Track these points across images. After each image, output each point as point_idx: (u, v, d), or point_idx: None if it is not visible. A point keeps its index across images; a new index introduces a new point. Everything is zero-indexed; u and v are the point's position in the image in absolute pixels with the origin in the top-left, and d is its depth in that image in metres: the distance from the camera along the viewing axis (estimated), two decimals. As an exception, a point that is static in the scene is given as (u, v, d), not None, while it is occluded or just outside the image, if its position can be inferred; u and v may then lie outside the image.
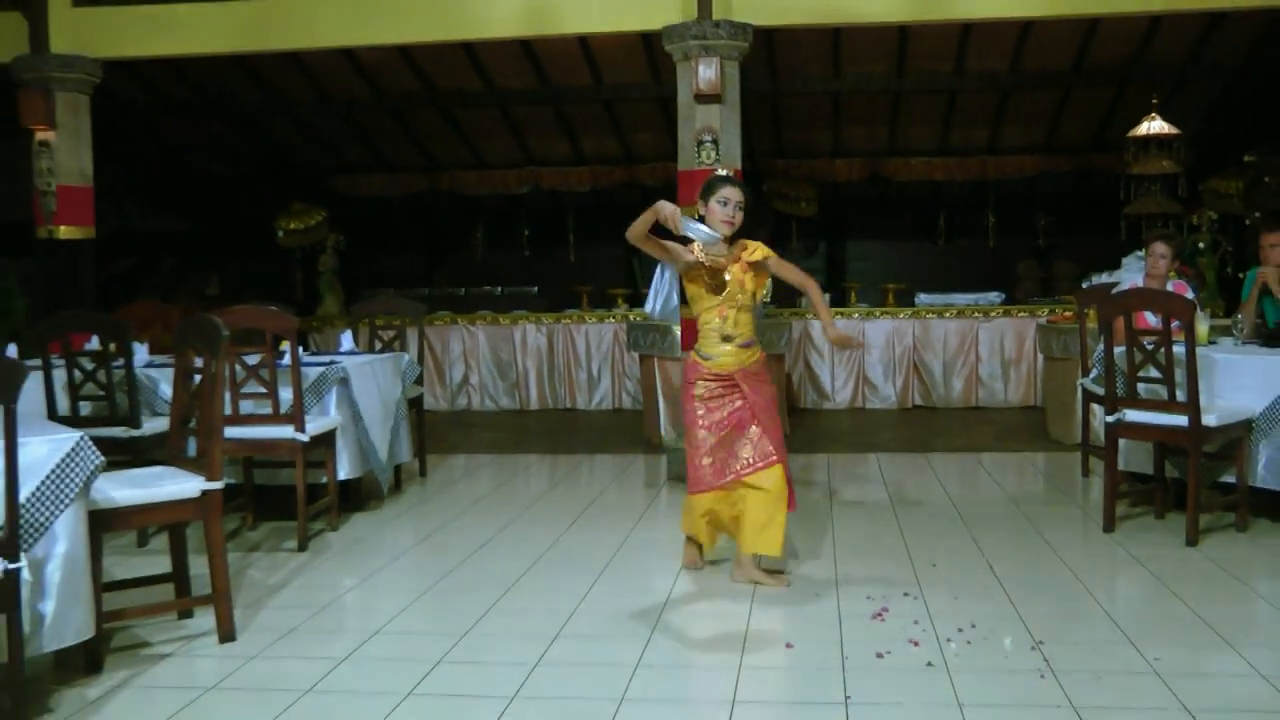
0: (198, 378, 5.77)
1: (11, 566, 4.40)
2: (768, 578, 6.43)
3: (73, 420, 7.49)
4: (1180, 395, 7.17)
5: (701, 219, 6.26)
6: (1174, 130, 12.75)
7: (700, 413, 6.36)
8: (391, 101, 15.53)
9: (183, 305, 14.97)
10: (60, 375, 7.75)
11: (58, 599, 4.69)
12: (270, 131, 16.87)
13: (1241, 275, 10.10)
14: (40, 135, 11.31)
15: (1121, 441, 7.77)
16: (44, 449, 4.72)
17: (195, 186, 18.08)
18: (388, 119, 16.31)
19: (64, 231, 11.40)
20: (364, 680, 5.06)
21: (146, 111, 15.78)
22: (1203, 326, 8.01)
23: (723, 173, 6.53)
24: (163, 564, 6.06)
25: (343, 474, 8.17)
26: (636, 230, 6.19)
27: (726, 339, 6.35)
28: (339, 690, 4.94)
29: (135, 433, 7.66)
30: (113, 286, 15.16)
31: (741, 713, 4.62)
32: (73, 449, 4.78)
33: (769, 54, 13.47)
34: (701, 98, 10.08)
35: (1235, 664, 5.09)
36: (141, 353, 8.70)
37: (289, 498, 7.66)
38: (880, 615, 5.81)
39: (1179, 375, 7.15)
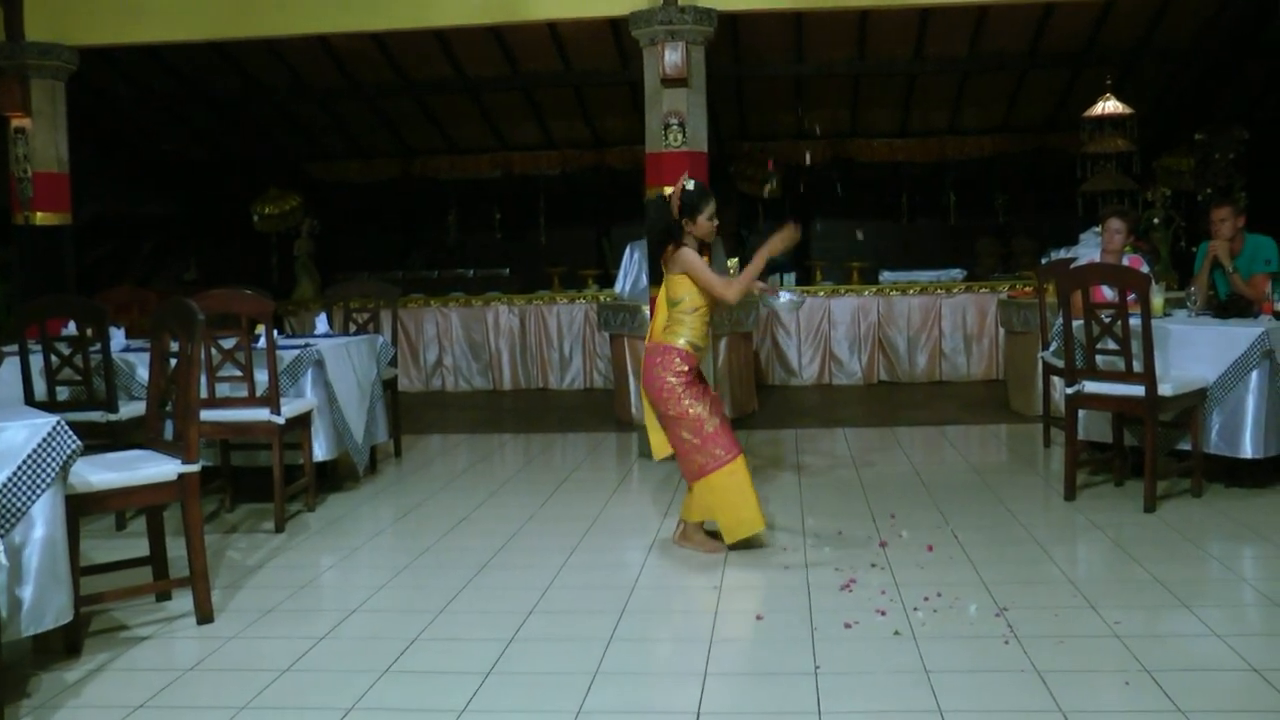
0: (174, 361, 5.66)
1: None
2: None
3: (50, 405, 7.38)
4: (1137, 366, 7.18)
5: (680, 225, 6.43)
6: (1127, 110, 12.74)
7: (692, 393, 6.38)
8: (366, 89, 15.39)
9: (160, 290, 14.84)
10: (37, 360, 7.64)
11: (36, 583, 4.60)
12: (248, 119, 16.68)
13: (1194, 249, 10.09)
14: (16, 122, 11.06)
15: (1081, 412, 7.77)
16: (21, 434, 4.64)
17: (174, 172, 17.85)
18: (362, 106, 16.17)
19: (40, 218, 11.11)
20: (341, 658, 5.02)
21: (126, 99, 15.55)
22: (1157, 299, 8.03)
23: (692, 185, 6.49)
24: (141, 547, 5.97)
25: (319, 455, 8.08)
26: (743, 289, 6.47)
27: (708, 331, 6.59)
28: (317, 669, 4.89)
29: (112, 416, 7.54)
30: (93, 272, 14.97)
31: (713, 684, 4.59)
32: (50, 433, 4.70)
33: (733, 39, 13.37)
34: (668, 82, 9.98)
35: (1192, 624, 5.12)
36: (119, 337, 8.59)
37: (266, 479, 7.58)
38: (848, 586, 5.78)
39: (1135, 347, 7.16)
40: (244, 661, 5.00)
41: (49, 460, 4.67)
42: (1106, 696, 4.36)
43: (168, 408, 5.82)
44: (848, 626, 5.18)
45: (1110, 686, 4.45)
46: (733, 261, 13.06)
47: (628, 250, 12.17)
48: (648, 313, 10.53)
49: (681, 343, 6.38)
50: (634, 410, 11.05)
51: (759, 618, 5.42)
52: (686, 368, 6.38)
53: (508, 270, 16.31)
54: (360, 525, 7.60)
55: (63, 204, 11.34)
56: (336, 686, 4.64)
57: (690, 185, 6.47)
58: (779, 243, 6.35)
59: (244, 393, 7.50)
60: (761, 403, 12.41)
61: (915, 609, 5.39)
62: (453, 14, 10.91)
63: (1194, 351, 7.62)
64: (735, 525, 6.44)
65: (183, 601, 5.67)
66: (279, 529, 7.33)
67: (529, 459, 10.01)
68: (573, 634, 5.24)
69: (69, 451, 4.75)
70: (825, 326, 14.37)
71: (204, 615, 5.49)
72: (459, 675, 4.73)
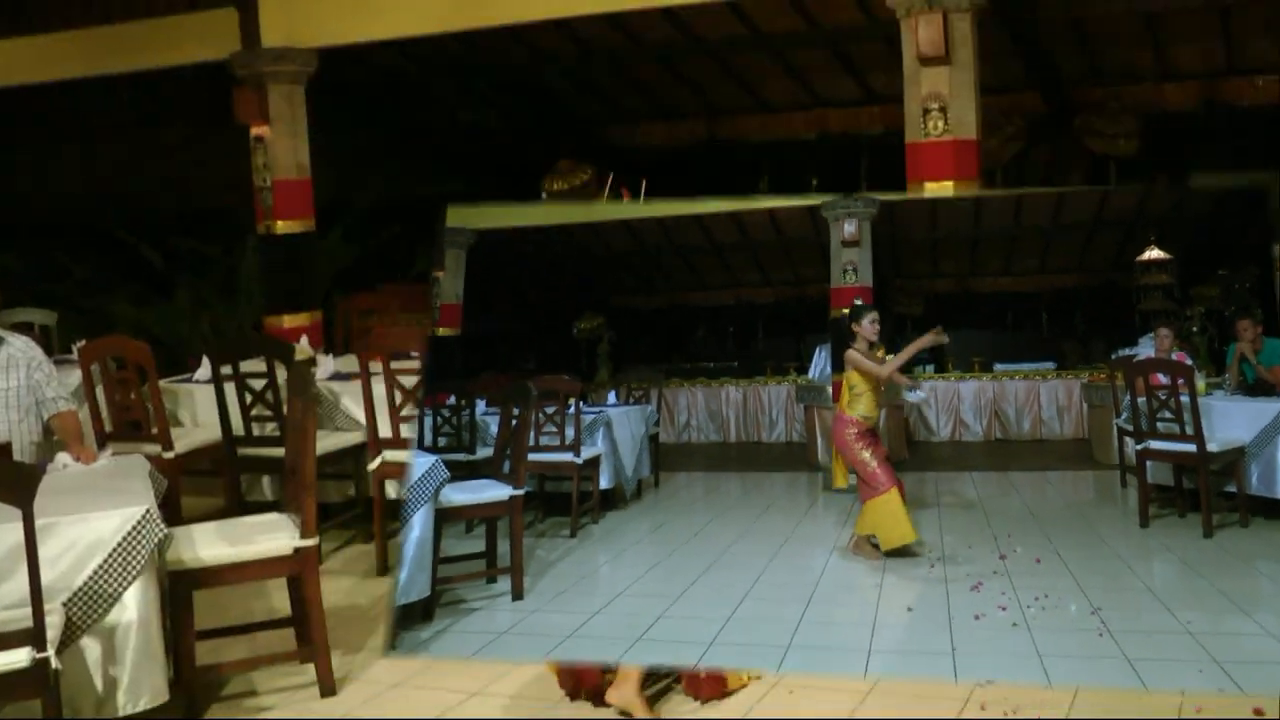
0: (514, 422, 5.61)
1: (40, 656, 3.13)
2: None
3: (433, 448, 7.21)
4: (1189, 430, 6.47)
5: (851, 328, 6.20)
6: (1168, 255, 11.97)
7: (861, 444, 6.13)
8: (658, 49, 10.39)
9: (510, 374, 14.97)
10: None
11: (132, 663, 3.53)
12: (536, 87, 11.67)
13: (1224, 348, 9.30)
14: (255, 131, 8.15)
15: (1148, 462, 7.00)
16: (113, 522, 3.55)
17: (466, 145, 11.95)
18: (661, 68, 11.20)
19: (281, 226, 8.20)
20: (610, 628, 4.74)
21: (411, 76, 10.67)
22: (1200, 383, 7.28)
23: (859, 303, 6.54)
24: (480, 544, 5.72)
25: (603, 485, 7.82)
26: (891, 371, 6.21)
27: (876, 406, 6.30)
28: (591, 636, 4.62)
29: (471, 457, 7.48)
30: (365, 265, 10.47)
31: (876, 659, 4.16)
32: (139, 522, 3.57)
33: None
34: (924, 60, 6.53)
35: (1248, 625, 4.46)
36: (481, 405, 8.57)
37: (566, 501, 7.40)
38: (977, 587, 5.19)
39: (1187, 416, 6.49)
40: (542, 629, 4.77)
41: (138, 548, 3.55)
42: (1184, 679, 3.75)
43: (507, 452, 5.69)
44: (977, 618, 4.63)
45: (1186, 672, 3.85)
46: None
47: (816, 350, 11.81)
48: (830, 391, 10.06)
49: (856, 414, 6.16)
50: (820, 457, 10.59)
51: (909, 609, 4.98)
52: (856, 430, 6.11)
53: (736, 363, 16.18)
54: (627, 534, 7.35)
55: (305, 210, 8.37)
56: (604, 649, 4.37)
57: (858, 303, 6.49)
58: (926, 341, 6.14)
59: (557, 442, 7.34)
60: (911, 453, 11.80)
61: (1029, 606, 4.79)
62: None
63: (1232, 420, 6.86)
64: (888, 538, 5.97)
65: (504, 584, 5.43)
66: (573, 535, 7.07)
67: (745, 490, 9.64)
68: (771, 615, 4.85)
69: (157, 539, 3.62)
70: (955, 401, 13.68)
71: (517, 594, 5.25)
72: (691, 644, 4.36)
